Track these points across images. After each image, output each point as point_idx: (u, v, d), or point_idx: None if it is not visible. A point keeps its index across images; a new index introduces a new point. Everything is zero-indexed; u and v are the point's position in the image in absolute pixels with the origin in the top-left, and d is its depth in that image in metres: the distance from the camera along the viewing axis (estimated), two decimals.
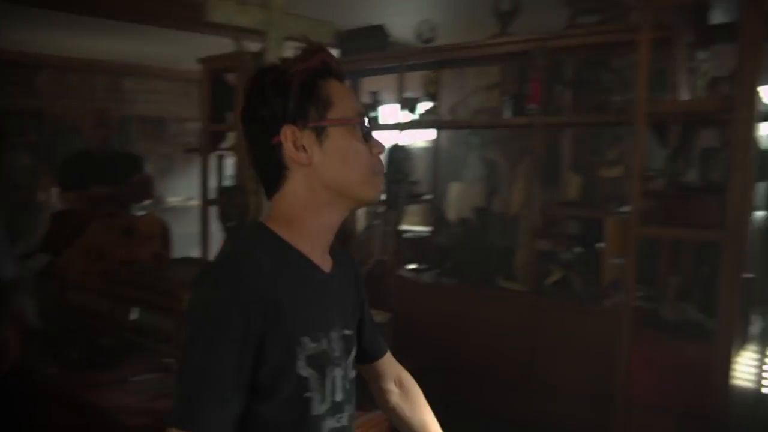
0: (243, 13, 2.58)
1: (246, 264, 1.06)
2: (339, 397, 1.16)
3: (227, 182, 3.75)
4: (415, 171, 4.22)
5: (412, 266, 4.09)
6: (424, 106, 4.08)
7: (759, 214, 3.27)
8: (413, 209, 4.82)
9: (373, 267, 3.71)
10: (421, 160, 5.01)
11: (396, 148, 3.95)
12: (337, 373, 1.15)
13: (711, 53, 3.19)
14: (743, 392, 3.37)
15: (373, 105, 4.21)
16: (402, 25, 4.34)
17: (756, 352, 3.44)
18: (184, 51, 4.96)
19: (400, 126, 4.19)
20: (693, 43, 3.25)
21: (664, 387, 2.83)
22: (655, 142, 3.33)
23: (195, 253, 4.03)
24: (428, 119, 3.97)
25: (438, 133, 4.78)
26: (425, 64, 4.16)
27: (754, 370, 3.49)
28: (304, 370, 1.08)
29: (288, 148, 1.10)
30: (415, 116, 4.05)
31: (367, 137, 1.14)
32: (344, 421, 1.18)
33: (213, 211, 3.38)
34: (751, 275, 3.29)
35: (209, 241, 3.81)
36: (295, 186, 1.12)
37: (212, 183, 3.85)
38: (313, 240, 1.15)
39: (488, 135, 4.91)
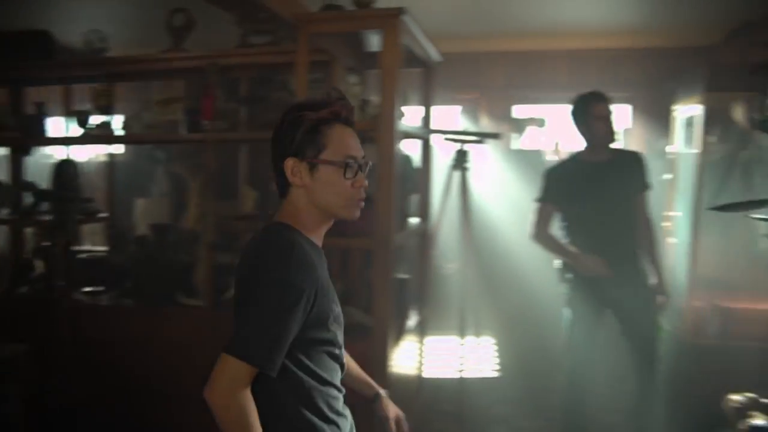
0: None
1: (300, 252, 1.48)
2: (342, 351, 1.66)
3: None
4: (89, 188, 3.99)
5: (88, 288, 3.85)
6: (97, 120, 3.87)
7: (413, 221, 3.69)
8: (92, 228, 4.55)
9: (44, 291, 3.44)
10: (101, 176, 4.76)
11: (64, 164, 3.70)
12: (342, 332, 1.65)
13: (363, 77, 3.53)
14: (407, 378, 3.76)
15: (38, 117, 3.88)
16: (72, 33, 4.08)
17: (416, 342, 3.87)
18: None
19: (68, 141, 3.93)
20: (352, 67, 3.56)
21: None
22: None
23: None
24: (99, 133, 3.77)
25: (124, 148, 4.57)
26: (100, 76, 3.96)
27: (416, 358, 3.91)
28: (333, 326, 1.57)
29: (288, 173, 1.55)
30: (85, 130, 3.82)
31: (353, 173, 1.55)
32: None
33: None
34: (407, 276, 3.70)
35: None
36: (296, 197, 1.58)
37: None
38: (316, 233, 1.60)
39: (174, 149, 4.83)
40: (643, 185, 3.34)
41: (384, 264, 2.89)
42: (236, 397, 1.42)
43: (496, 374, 4.89)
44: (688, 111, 4.43)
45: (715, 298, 4.14)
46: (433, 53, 3.60)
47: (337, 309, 1.60)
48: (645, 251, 3.36)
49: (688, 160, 4.32)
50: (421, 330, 3.89)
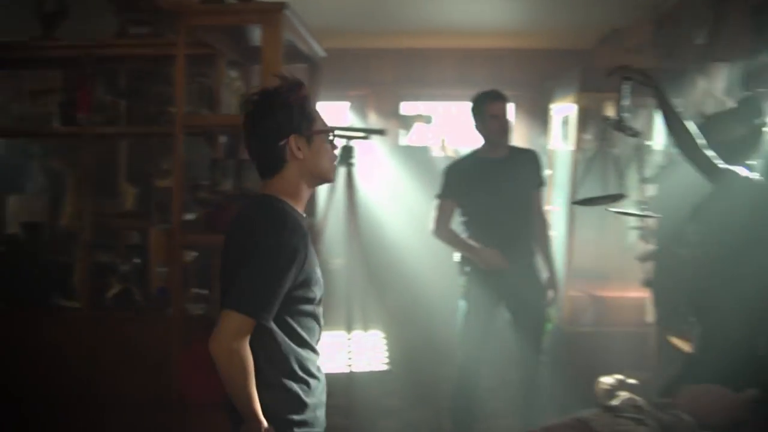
0: None
1: (293, 219, 1.71)
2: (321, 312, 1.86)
3: None
4: None
5: None
6: None
7: None
8: None
9: None
10: None
11: None
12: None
13: (247, 72, 3.49)
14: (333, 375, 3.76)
15: None
16: None
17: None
18: None
19: None
20: (236, 61, 3.51)
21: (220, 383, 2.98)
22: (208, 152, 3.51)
23: None
24: None
25: None
26: None
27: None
28: (316, 287, 1.78)
29: (293, 149, 1.75)
30: None
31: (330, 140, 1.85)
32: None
33: None
34: None
35: None
36: (291, 172, 1.78)
37: None
38: (302, 204, 1.83)
39: (52, 143, 4.58)
40: (538, 182, 3.46)
41: None
42: (239, 347, 1.61)
43: (385, 368, 4.95)
44: (564, 110, 4.66)
45: (589, 288, 4.38)
46: (318, 49, 3.60)
47: (320, 273, 1.82)
48: (539, 246, 3.49)
49: (565, 156, 4.54)
50: (348, 324, 3.89)
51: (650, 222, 3.76)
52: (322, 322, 1.86)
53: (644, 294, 3.94)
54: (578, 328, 4.26)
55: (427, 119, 6.04)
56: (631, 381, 3.70)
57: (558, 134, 4.87)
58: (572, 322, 4.29)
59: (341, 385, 4.18)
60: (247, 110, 1.79)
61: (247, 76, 3.48)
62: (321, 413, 1.89)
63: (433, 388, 4.43)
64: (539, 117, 5.46)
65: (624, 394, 3.46)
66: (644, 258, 3.80)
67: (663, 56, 4.18)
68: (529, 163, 3.45)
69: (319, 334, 1.86)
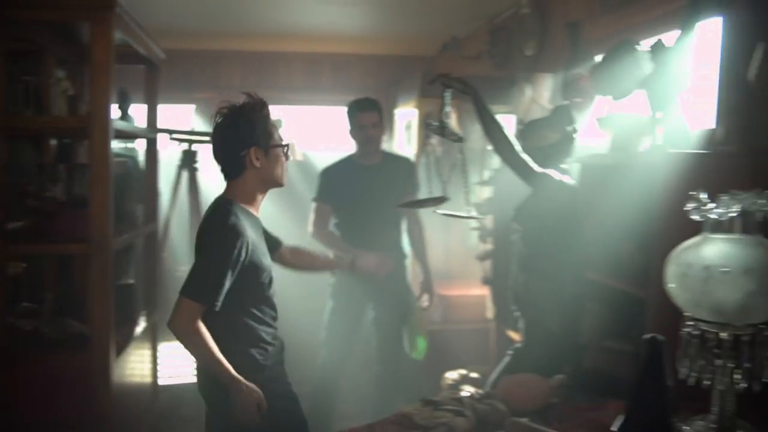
0: None
1: (235, 217, 1.99)
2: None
3: None
4: None
5: None
6: None
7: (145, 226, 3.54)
8: None
9: None
10: None
11: None
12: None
13: (79, 72, 3.31)
14: (139, 387, 3.60)
15: None
16: None
17: (147, 348, 3.72)
18: None
19: None
20: (66, 59, 3.32)
21: (53, 402, 2.81)
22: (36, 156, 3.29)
23: None
24: None
25: None
26: None
27: (148, 365, 3.77)
28: (264, 274, 2.10)
29: (251, 159, 2.03)
30: None
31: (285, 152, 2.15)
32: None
33: None
34: (131, 281, 3.55)
35: None
36: (249, 178, 2.08)
37: None
38: (256, 206, 2.15)
39: None
40: (412, 188, 3.53)
41: (101, 270, 2.74)
42: (192, 327, 1.93)
43: None
44: (407, 115, 4.80)
45: (437, 288, 4.54)
46: (157, 50, 3.48)
47: (268, 262, 2.14)
48: (415, 251, 3.57)
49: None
50: (153, 336, 3.76)
51: (488, 223, 3.96)
52: (274, 302, 2.19)
53: (485, 292, 4.14)
54: (429, 326, 4.39)
55: (277, 123, 5.98)
56: (474, 375, 3.88)
57: (402, 139, 5.01)
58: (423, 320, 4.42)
59: (189, 396, 4.07)
60: (216, 121, 2.09)
61: (80, 77, 3.29)
62: (280, 369, 2.26)
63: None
64: (385, 122, 5.60)
65: (467, 388, 3.64)
66: (483, 257, 4.00)
67: (497, 65, 4.41)
68: (401, 170, 3.53)
69: (274, 311, 2.19)
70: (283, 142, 2.14)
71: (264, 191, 2.17)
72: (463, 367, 3.95)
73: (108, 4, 2.65)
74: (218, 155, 2.11)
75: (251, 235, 2.04)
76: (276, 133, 2.12)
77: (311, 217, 3.45)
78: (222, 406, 2.01)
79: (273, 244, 2.35)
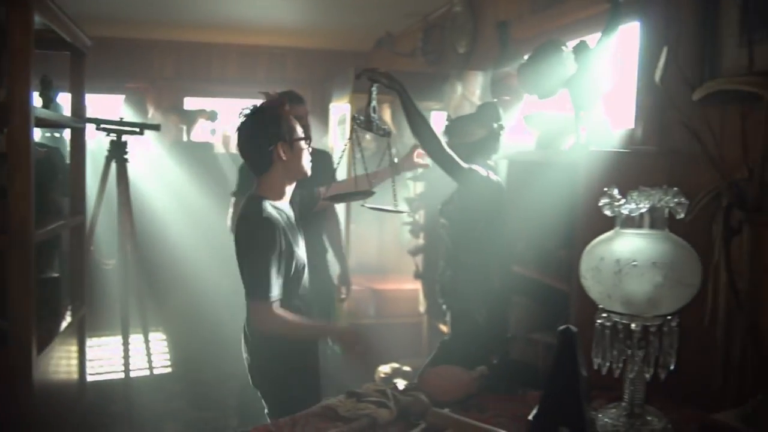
0: None
1: (270, 213, 2.16)
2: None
3: None
4: None
5: None
6: None
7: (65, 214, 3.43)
8: None
9: None
10: None
11: None
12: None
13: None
14: (65, 384, 3.51)
15: None
16: None
17: (74, 344, 3.62)
18: None
19: None
20: None
21: None
22: None
23: None
24: None
25: None
26: None
27: (75, 362, 3.67)
28: (299, 260, 2.27)
29: (278, 153, 2.18)
30: None
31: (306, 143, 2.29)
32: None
33: None
34: (56, 275, 3.44)
35: None
36: (277, 171, 2.22)
37: None
38: (285, 196, 2.30)
39: None
40: (329, 181, 3.52)
41: (21, 262, 2.65)
42: (274, 322, 2.11)
43: (167, 370, 4.79)
44: (340, 109, 4.81)
45: (370, 282, 4.57)
46: (83, 37, 3.38)
47: (300, 251, 2.28)
48: (331, 244, 3.56)
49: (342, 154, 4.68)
50: (80, 331, 3.66)
51: (419, 218, 4.01)
52: (304, 279, 2.35)
53: (417, 286, 4.20)
54: (361, 320, 4.42)
55: (212, 115, 5.91)
56: (406, 368, 3.93)
57: (335, 133, 5.02)
58: (355, 314, 4.44)
59: (119, 392, 4.00)
60: (241, 120, 2.20)
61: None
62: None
63: (219, 388, 4.37)
64: (320, 116, 5.58)
65: (399, 381, 3.69)
66: (415, 252, 4.05)
67: (430, 62, 4.46)
68: (321, 163, 3.51)
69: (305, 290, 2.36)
70: (306, 136, 2.28)
71: (291, 182, 2.29)
72: (395, 360, 3.99)
73: None
74: (246, 153, 2.24)
75: (283, 226, 2.19)
76: (297, 126, 2.24)
77: (230, 211, 3.42)
78: (278, 394, 2.26)
79: (311, 202, 2.57)
